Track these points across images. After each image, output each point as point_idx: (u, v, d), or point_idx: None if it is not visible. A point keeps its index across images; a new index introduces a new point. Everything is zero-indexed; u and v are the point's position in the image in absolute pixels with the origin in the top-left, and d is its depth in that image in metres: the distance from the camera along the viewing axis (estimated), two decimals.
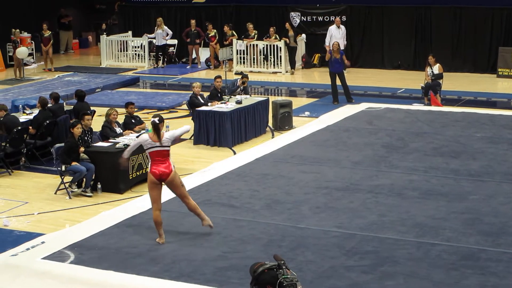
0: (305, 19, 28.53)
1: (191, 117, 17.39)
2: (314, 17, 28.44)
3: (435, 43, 26.52)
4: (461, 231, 10.73)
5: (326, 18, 28.21)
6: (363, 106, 19.77)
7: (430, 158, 14.65)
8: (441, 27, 26.74)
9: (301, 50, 27.77)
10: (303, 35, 27.80)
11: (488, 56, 26.21)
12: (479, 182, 13.05)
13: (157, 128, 10.41)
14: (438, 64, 20.86)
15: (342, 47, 25.68)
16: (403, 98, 21.79)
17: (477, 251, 9.96)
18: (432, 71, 20.78)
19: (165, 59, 28.39)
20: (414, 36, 27.12)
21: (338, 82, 20.81)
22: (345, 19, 27.77)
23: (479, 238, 10.42)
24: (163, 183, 10.44)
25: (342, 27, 26.56)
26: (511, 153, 14.94)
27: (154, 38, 28.13)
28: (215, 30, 27.61)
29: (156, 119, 10.46)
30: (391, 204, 11.94)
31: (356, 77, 24.19)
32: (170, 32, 27.99)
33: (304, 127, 17.63)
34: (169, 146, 10.47)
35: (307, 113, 19.51)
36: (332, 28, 26.38)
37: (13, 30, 27.52)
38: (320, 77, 25.30)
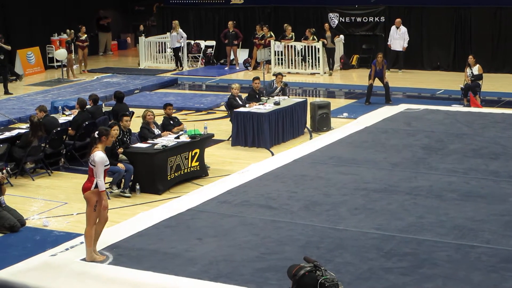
0: (343, 20, 28.47)
1: (229, 118, 17.44)
2: (353, 18, 28.39)
3: (474, 43, 26.31)
4: (501, 233, 10.62)
5: (365, 19, 28.16)
6: (402, 107, 19.65)
7: (470, 159, 14.52)
8: (481, 28, 26.51)
9: (339, 51, 27.70)
10: (341, 36, 27.72)
11: None
12: None
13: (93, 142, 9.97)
14: (477, 65, 20.69)
15: (399, 48, 25.80)
16: (442, 99, 21.64)
17: None
18: (472, 72, 20.61)
19: (181, 61, 28.34)
20: (454, 36, 26.94)
21: (378, 83, 20.77)
22: (383, 20, 27.68)
23: None
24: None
25: (403, 28, 26.41)
26: None
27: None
28: (271, 32, 27.52)
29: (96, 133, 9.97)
30: (430, 206, 11.85)
31: (395, 78, 24.06)
32: (185, 35, 28.07)
33: (342, 128, 17.57)
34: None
35: (345, 114, 19.46)
36: (392, 29, 26.41)
37: (68, 30, 27.72)
38: (358, 78, 25.22)
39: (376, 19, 27.94)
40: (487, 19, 26.55)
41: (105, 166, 9.80)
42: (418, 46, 27.34)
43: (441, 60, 27.21)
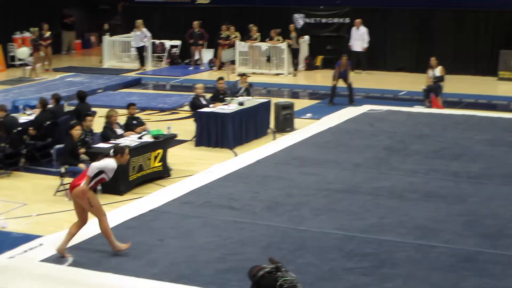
0: (308, 21, 28.54)
1: (193, 119, 17.41)
2: (318, 19, 28.48)
3: (437, 45, 26.52)
4: (460, 233, 10.74)
5: (330, 20, 28.25)
6: (365, 108, 19.78)
7: (431, 160, 14.66)
8: (443, 30, 26.78)
9: (304, 52, 27.77)
10: (306, 37, 27.80)
11: (490, 59, 26.22)
12: (478, 184, 13.06)
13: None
14: (440, 67, 20.86)
15: (360, 49, 25.95)
16: (405, 101, 21.81)
17: (475, 253, 9.97)
18: (434, 74, 20.78)
19: (144, 60, 28.22)
20: (417, 38, 27.15)
21: (341, 84, 20.90)
22: (348, 21, 27.80)
23: (477, 240, 10.42)
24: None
25: (362, 28, 26.56)
26: (510, 155, 14.93)
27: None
28: (237, 33, 27.50)
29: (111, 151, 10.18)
30: (391, 206, 11.95)
31: (358, 79, 24.17)
32: (149, 34, 28.01)
33: (306, 129, 17.63)
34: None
35: (308, 115, 19.51)
36: (352, 30, 26.61)
37: (32, 29, 27.29)
38: (323, 79, 25.30)
39: (341, 20, 28.06)
40: (449, 22, 26.81)
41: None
42: (382, 48, 27.51)
43: (404, 62, 27.40)
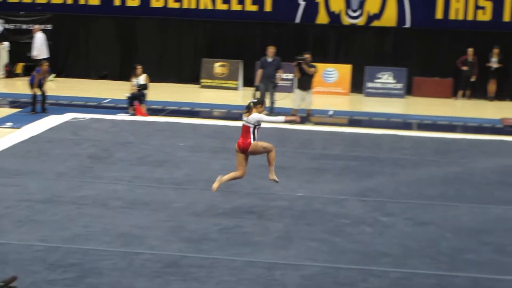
0: (8, 27, 27.59)
1: None
2: (18, 25, 27.62)
3: (141, 53, 26.85)
4: (165, 239, 10.85)
5: (31, 26, 27.49)
6: (68, 116, 19.44)
7: (135, 167, 14.71)
8: (147, 38, 27.18)
9: (3, 58, 26.78)
10: (6, 43, 26.83)
11: (192, 67, 27.01)
12: (182, 190, 13.31)
13: (248, 108, 11.96)
14: (144, 75, 21.09)
15: (38, 55, 25.38)
16: (109, 108, 21.75)
17: (179, 257, 10.10)
18: (138, 82, 20.95)
19: None
20: (121, 46, 27.27)
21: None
22: (51, 27, 27.24)
23: (182, 245, 10.58)
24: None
25: (39, 34, 26.02)
26: (212, 161, 15.41)
27: None
28: None
29: (251, 102, 12.06)
30: (96, 215, 11.79)
31: (61, 87, 23.77)
32: None
33: (5, 138, 16.93)
34: (252, 124, 11.85)
35: (9, 124, 18.79)
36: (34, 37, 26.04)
37: None
38: (24, 86, 24.49)
39: (42, 26, 27.40)
40: (153, 30, 27.24)
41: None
42: (85, 55, 27.29)
43: (108, 69, 27.39)
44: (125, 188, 13.30)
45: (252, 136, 11.95)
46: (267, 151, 12.05)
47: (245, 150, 11.95)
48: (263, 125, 12.27)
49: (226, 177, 12.11)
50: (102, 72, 27.39)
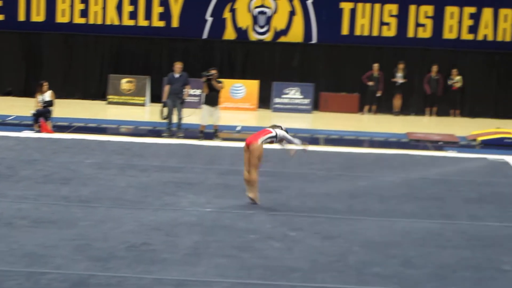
0: None
1: None
2: None
3: (46, 69, 26.48)
4: (72, 257, 10.65)
5: None
6: None
7: (41, 185, 14.44)
8: (52, 54, 26.82)
9: None
10: None
11: (99, 83, 26.76)
12: (89, 208, 13.11)
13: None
14: (50, 91, 20.81)
15: None
16: (14, 125, 21.35)
17: (87, 276, 9.94)
18: (44, 98, 20.64)
19: None
20: (26, 62, 26.80)
21: None
22: None
23: (89, 264, 10.41)
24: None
25: None
26: (119, 178, 15.26)
27: None
28: None
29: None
30: (0, 235, 11.51)
31: None
32: None
33: None
34: (274, 135, 13.10)
35: None
36: None
37: None
38: None
39: None
40: (59, 46, 26.88)
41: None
42: None
43: (13, 86, 26.87)
44: (31, 206, 13.02)
45: (263, 139, 12.90)
46: (257, 167, 12.85)
47: (249, 145, 12.80)
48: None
49: (249, 189, 13.16)
50: (6, 89, 26.87)
